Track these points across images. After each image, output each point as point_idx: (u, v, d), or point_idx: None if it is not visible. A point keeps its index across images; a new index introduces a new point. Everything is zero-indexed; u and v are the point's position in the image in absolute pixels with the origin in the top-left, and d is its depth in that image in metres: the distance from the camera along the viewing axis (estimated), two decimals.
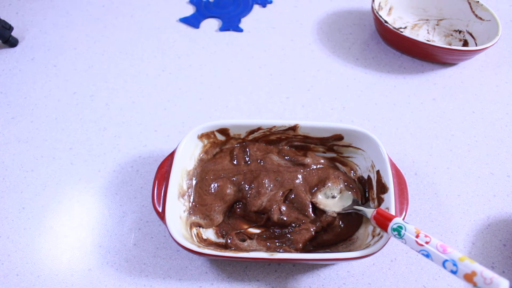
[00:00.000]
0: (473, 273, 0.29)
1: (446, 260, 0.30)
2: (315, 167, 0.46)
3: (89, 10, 0.72)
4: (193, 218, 0.43)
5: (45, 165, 0.50)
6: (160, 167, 0.43)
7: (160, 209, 0.40)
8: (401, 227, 0.34)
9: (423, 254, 0.32)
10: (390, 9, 0.68)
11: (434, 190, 0.48)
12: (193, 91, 0.59)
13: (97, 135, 0.53)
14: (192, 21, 0.70)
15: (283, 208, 0.43)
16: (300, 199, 0.44)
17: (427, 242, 0.32)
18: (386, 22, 0.61)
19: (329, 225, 0.43)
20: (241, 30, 0.69)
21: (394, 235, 0.35)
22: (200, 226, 0.43)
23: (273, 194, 0.44)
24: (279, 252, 0.40)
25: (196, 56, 0.64)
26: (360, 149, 0.46)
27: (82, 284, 0.41)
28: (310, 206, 0.44)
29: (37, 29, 0.68)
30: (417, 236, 0.33)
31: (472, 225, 0.45)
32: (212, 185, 0.45)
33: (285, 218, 0.43)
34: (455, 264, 0.30)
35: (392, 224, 0.35)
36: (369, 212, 0.38)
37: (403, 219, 0.40)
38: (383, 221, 0.36)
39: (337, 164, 0.48)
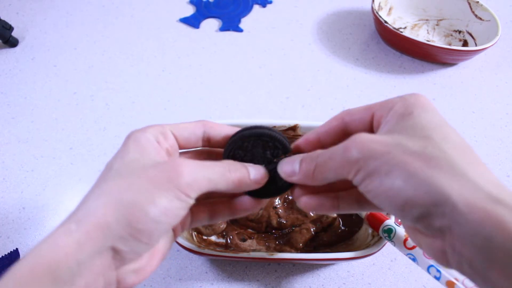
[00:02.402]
0: (456, 280, 0.29)
1: (431, 266, 0.31)
2: None
3: (89, 10, 0.72)
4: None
5: (45, 165, 0.50)
6: None
7: None
8: (391, 230, 0.34)
9: (410, 257, 0.32)
10: (390, 9, 0.68)
11: None
12: (193, 91, 0.59)
13: (97, 135, 0.53)
14: (192, 21, 0.70)
15: (280, 211, 0.43)
16: None
17: (414, 247, 0.32)
18: (386, 22, 0.61)
19: (330, 225, 0.43)
20: (241, 30, 0.69)
21: (384, 237, 0.35)
22: (201, 233, 0.43)
23: (269, 201, 0.44)
24: (279, 252, 0.40)
25: (196, 56, 0.64)
26: None
27: None
28: None
29: (37, 29, 0.68)
30: (405, 240, 0.33)
31: None
32: None
33: (284, 221, 0.43)
34: (438, 270, 0.30)
35: (383, 226, 0.35)
36: (363, 212, 0.38)
37: None
38: (375, 222, 0.36)
39: None
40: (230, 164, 0.25)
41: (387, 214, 0.37)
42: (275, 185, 0.26)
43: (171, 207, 0.21)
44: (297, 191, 0.26)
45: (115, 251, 0.21)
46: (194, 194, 0.22)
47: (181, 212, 0.22)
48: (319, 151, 0.24)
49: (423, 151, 0.20)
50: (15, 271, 0.19)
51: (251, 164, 0.26)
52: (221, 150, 0.28)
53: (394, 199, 0.20)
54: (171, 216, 0.22)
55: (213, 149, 0.29)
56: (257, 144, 0.26)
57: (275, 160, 0.26)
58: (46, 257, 0.19)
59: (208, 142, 0.27)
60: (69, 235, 0.20)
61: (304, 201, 0.25)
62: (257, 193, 0.26)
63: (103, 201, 0.21)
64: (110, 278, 0.21)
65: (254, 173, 0.25)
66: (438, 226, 0.19)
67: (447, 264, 0.20)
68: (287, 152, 0.26)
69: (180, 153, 0.27)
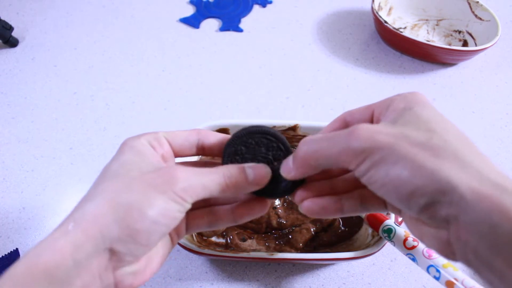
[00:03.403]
0: (455, 280, 0.29)
1: (431, 266, 0.31)
2: None
3: (89, 10, 0.72)
4: None
5: (45, 165, 0.50)
6: None
7: None
8: (391, 230, 0.34)
9: (409, 257, 0.32)
10: (390, 9, 0.68)
11: None
12: (193, 91, 0.59)
13: (97, 135, 0.53)
14: (192, 21, 0.70)
15: (280, 211, 0.43)
16: None
17: (414, 247, 0.32)
18: (386, 22, 0.61)
19: (330, 225, 0.43)
20: (241, 30, 0.69)
21: (384, 237, 0.35)
22: (201, 233, 0.43)
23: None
24: (279, 252, 0.40)
25: (196, 56, 0.64)
26: None
27: None
28: None
29: (37, 29, 0.68)
30: (405, 240, 0.33)
31: None
32: None
33: (284, 221, 0.43)
34: (438, 270, 0.30)
35: (382, 226, 0.35)
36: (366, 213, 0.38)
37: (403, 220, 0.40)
38: (375, 222, 0.36)
39: None
40: (226, 171, 0.24)
41: (387, 214, 0.37)
42: (278, 186, 0.26)
43: (168, 208, 0.21)
44: (298, 194, 0.25)
45: (112, 253, 0.21)
46: (190, 199, 0.22)
47: (178, 215, 0.22)
48: (310, 137, 0.23)
49: (429, 142, 0.20)
50: (12, 271, 0.19)
51: (250, 164, 0.25)
52: (218, 160, 0.27)
53: (401, 189, 0.20)
54: (169, 217, 0.22)
55: (209, 160, 0.29)
56: (261, 142, 0.26)
57: (275, 163, 0.26)
58: (42, 257, 0.19)
59: (202, 150, 0.27)
60: (66, 235, 0.20)
61: (306, 206, 0.25)
62: (261, 193, 0.26)
63: (99, 201, 0.21)
64: (107, 280, 0.21)
65: (253, 174, 0.25)
66: (444, 215, 0.19)
67: (452, 255, 0.20)
68: (288, 155, 0.26)
69: (177, 163, 0.27)
